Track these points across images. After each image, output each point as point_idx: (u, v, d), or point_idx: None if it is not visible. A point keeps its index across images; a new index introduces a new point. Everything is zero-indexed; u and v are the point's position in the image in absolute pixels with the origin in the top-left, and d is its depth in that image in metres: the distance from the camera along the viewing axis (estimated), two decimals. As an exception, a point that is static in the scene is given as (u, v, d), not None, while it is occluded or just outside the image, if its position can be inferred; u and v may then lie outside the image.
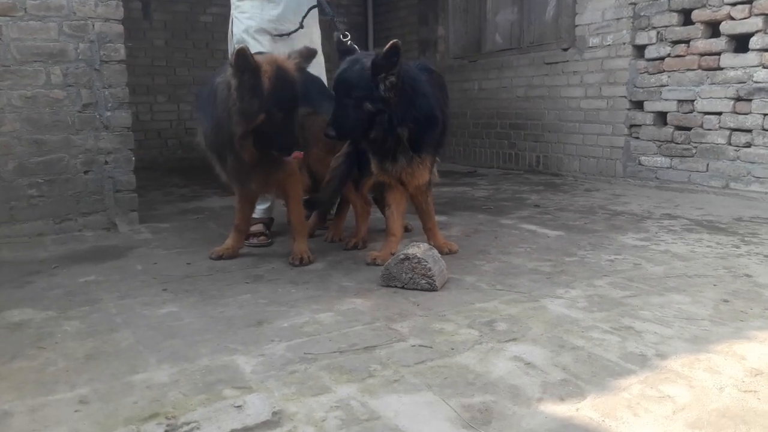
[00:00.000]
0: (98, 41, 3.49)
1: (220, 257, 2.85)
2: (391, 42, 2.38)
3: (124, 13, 3.62)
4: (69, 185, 3.48)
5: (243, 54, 2.34)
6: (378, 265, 2.66)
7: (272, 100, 2.42)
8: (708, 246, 2.99)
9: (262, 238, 3.20)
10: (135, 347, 1.85)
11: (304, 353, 1.77)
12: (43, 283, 2.55)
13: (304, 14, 3.31)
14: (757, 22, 4.22)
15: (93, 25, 3.48)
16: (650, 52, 4.97)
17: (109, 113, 3.55)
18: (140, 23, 7.24)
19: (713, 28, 4.55)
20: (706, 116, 4.60)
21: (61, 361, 1.75)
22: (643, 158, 5.12)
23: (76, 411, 1.47)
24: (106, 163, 3.57)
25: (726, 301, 2.18)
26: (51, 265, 2.83)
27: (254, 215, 3.16)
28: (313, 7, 3.32)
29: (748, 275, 2.49)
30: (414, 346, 1.81)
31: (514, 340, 1.85)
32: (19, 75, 3.32)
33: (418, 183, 2.75)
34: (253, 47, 2.86)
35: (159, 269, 2.74)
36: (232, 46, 3.21)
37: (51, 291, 2.43)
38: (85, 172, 3.52)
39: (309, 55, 2.70)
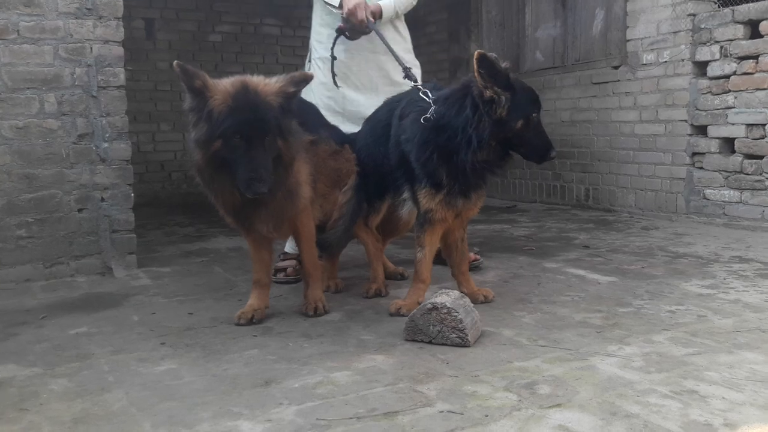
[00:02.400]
0: (96, 65, 3.61)
1: (250, 321, 2.65)
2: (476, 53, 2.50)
3: (126, 33, 3.75)
4: (61, 225, 3.56)
5: (183, 70, 2.30)
6: (403, 315, 2.65)
7: (226, 126, 2.31)
8: (786, 294, 2.93)
9: (289, 270, 3.25)
10: (128, 410, 1.86)
11: (317, 419, 1.76)
12: (30, 335, 2.59)
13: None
14: (836, 36, 4.19)
15: (91, 48, 3.60)
16: (713, 70, 4.96)
17: (106, 144, 3.64)
18: (143, 44, 7.47)
19: (786, 43, 4.53)
20: (781, 143, 4.55)
21: (45, 426, 1.77)
22: (708, 191, 5.06)
23: (59, 484, 1.48)
24: (103, 200, 3.65)
25: (807, 360, 2.13)
26: (39, 315, 2.88)
27: (286, 250, 3.20)
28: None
29: (833, 329, 2.43)
30: (442, 412, 1.79)
31: (558, 405, 1.82)
32: (10, 103, 3.44)
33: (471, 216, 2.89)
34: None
35: (157, 320, 2.77)
36: None
37: (37, 344, 2.47)
38: (80, 210, 3.61)
39: (300, 79, 2.54)
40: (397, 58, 3.17)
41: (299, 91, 2.54)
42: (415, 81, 3.07)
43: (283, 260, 3.43)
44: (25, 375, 2.15)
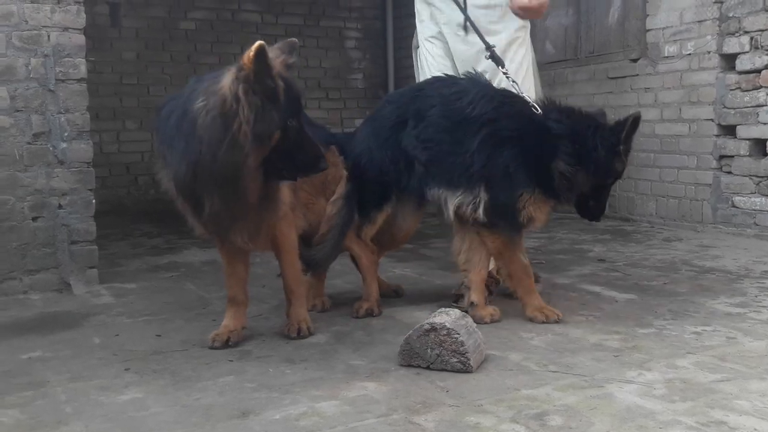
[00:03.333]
0: (54, 55, 3.60)
1: (225, 344, 2.64)
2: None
3: (88, 20, 3.75)
4: (13, 235, 3.55)
5: (264, 52, 2.28)
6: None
7: (288, 109, 2.40)
8: (824, 313, 2.95)
9: None
10: (87, 445, 1.85)
11: (301, 455, 1.76)
12: (-23, 359, 2.58)
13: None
14: None
15: (48, 36, 3.60)
16: (743, 63, 4.99)
17: (65, 144, 3.64)
18: (107, 32, 7.46)
19: (823, 33, 4.57)
20: (818, 144, 4.58)
21: (-6, 463, 1.76)
22: (737, 198, 5.08)
23: None
24: (60, 207, 3.64)
25: None
26: (-13, 336, 2.87)
27: None
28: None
29: None
30: (441, 446, 1.79)
31: (571, 439, 1.82)
32: (-44, 99, 3.43)
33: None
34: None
35: (121, 342, 2.76)
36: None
37: (-14, 370, 2.45)
38: (34, 219, 3.60)
39: (293, 46, 2.58)
40: (482, 38, 3.18)
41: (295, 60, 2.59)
42: (502, 64, 3.14)
43: None
44: (-29, 405, 2.14)
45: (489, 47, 3.13)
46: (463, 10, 3.22)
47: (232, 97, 2.30)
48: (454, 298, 3.18)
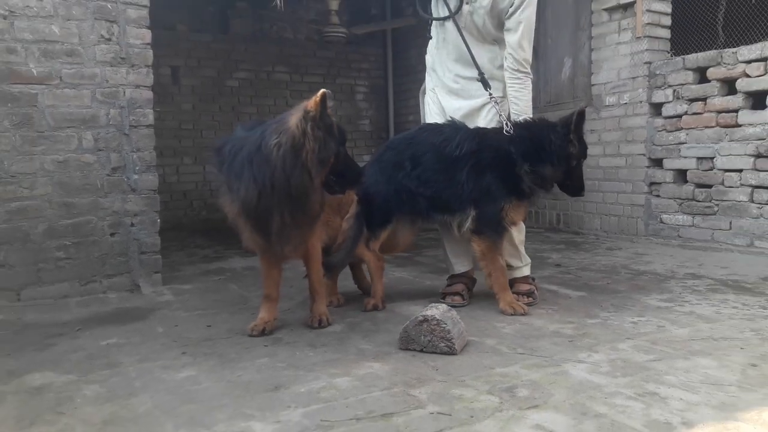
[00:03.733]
0: (128, 107, 3.62)
1: (262, 332, 2.63)
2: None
3: (154, 80, 3.75)
4: (95, 247, 3.55)
5: (326, 98, 2.40)
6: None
7: (340, 139, 2.52)
8: (734, 307, 2.92)
9: (457, 298, 3.11)
10: (153, 412, 1.84)
11: (321, 420, 1.74)
12: (66, 345, 2.56)
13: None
14: (773, 81, 4.24)
15: (124, 92, 3.61)
16: (667, 110, 5.00)
17: (136, 176, 3.64)
18: (169, 88, 7.50)
19: (729, 86, 4.58)
20: (727, 174, 4.58)
21: (79, 427, 1.75)
22: (664, 216, 5.07)
23: (91, 480, 1.45)
24: (132, 225, 3.64)
25: (754, 365, 2.11)
26: (74, 327, 2.86)
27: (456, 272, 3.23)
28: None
29: (776, 338, 2.42)
30: (432, 413, 1.77)
31: (535, 407, 1.80)
32: (52, 140, 3.44)
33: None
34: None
35: (179, 332, 2.75)
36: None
37: (73, 354, 2.44)
38: (112, 234, 3.59)
39: (330, 96, 2.56)
40: (477, 66, 3.13)
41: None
42: (488, 86, 3.11)
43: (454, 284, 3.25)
44: (61, 381, 2.13)
45: (480, 73, 3.11)
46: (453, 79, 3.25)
47: (300, 133, 2.39)
48: (441, 295, 3.16)
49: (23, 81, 3.36)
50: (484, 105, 3.16)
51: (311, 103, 2.39)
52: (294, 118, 2.42)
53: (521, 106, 3.08)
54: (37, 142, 3.41)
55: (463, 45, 3.12)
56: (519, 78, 3.07)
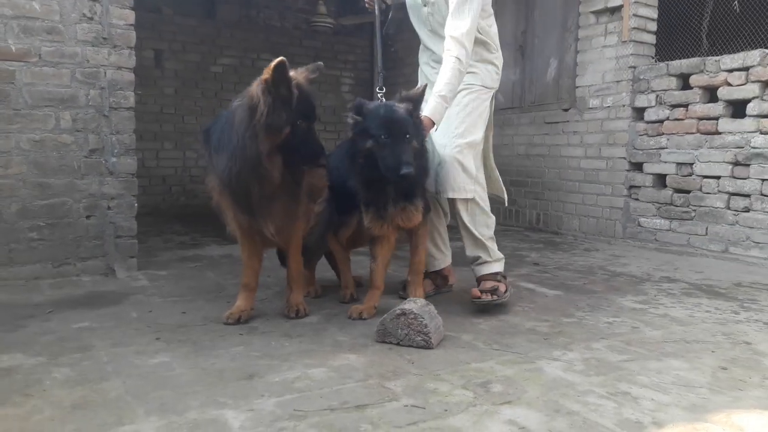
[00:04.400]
0: (109, 88, 3.56)
1: (237, 321, 2.61)
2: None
3: (137, 62, 3.70)
4: (70, 229, 3.49)
5: (283, 66, 2.35)
6: (364, 319, 2.69)
7: (298, 111, 2.42)
8: (707, 311, 2.97)
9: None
10: (124, 397, 1.82)
11: (294, 410, 1.74)
12: (36, 327, 2.52)
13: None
14: (753, 89, 4.31)
15: (105, 73, 3.55)
16: (649, 115, 5.06)
17: (114, 159, 3.59)
18: (152, 71, 7.40)
19: (711, 94, 4.64)
20: (705, 180, 4.65)
21: (47, 410, 1.72)
22: (642, 220, 5.14)
23: (58, 464, 1.43)
24: (109, 208, 3.59)
25: (724, 368, 2.15)
26: (46, 309, 2.81)
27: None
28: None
29: (747, 342, 2.46)
30: (407, 406, 1.78)
31: (509, 402, 1.81)
32: (29, 119, 3.37)
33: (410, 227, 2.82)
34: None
35: (154, 317, 2.72)
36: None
37: (43, 336, 2.40)
38: (87, 217, 3.54)
39: (316, 68, 2.65)
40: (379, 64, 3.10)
41: (316, 76, 2.64)
42: (382, 92, 2.91)
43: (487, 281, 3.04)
44: (30, 363, 2.09)
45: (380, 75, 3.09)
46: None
47: (256, 95, 2.39)
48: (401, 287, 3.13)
49: (1, 57, 3.29)
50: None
51: (267, 69, 2.37)
52: (255, 82, 2.44)
53: (438, 84, 2.77)
54: (13, 120, 3.34)
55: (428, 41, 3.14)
56: (445, 57, 2.80)
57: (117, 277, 3.53)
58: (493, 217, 3.06)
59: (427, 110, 2.74)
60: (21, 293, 3.10)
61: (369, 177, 2.61)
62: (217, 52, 7.87)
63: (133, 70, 3.66)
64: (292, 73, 2.45)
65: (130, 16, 3.60)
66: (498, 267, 3.03)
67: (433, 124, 2.76)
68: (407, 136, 2.52)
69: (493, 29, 3.09)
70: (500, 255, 3.06)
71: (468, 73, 2.93)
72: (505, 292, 2.95)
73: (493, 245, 3.03)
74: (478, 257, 3.01)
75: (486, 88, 3.06)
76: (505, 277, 3.05)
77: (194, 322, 2.65)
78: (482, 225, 2.99)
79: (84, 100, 3.51)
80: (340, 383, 1.94)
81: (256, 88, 2.40)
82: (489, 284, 2.95)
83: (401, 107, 2.58)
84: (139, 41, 3.72)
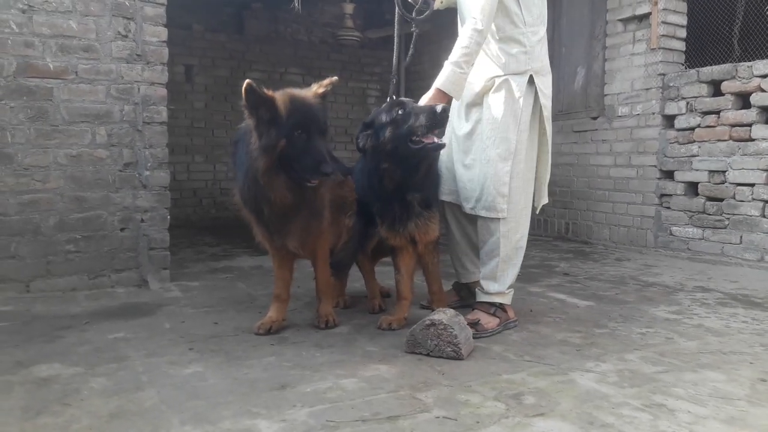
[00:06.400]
0: (142, 103, 3.64)
1: (268, 331, 2.62)
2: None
3: (168, 77, 3.77)
4: (105, 242, 3.56)
5: (251, 89, 2.34)
6: (394, 329, 2.68)
7: (291, 124, 2.37)
8: (743, 321, 2.90)
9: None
10: (159, 407, 1.84)
11: (327, 420, 1.74)
12: (74, 338, 2.57)
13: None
14: (788, 96, 4.21)
15: (138, 89, 3.63)
16: (680, 123, 4.98)
17: (148, 173, 3.66)
18: (182, 86, 7.54)
19: (743, 100, 4.56)
20: (739, 187, 4.55)
21: (85, 419, 1.75)
22: (674, 228, 5.04)
23: (96, 472, 1.45)
24: (142, 221, 3.65)
25: (763, 380, 2.09)
26: (82, 320, 2.87)
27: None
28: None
29: (786, 354, 2.40)
30: (438, 417, 1.77)
31: (542, 415, 1.79)
32: (66, 134, 3.46)
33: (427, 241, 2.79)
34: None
35: (186, 328, 2.75)
36: None
37: (80, 347, 2.45)
38: (122, 230, 3.61)
39: (327, 83, 2.59)
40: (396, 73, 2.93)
41: (328, 91, 2.59)
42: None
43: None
44: (68, 373, 2.13)
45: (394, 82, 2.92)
46: None
47: (249, 124, 2.43)
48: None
49: (40, 75, 3.39)
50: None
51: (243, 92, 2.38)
52: None
53: (453, 51, 2.59)
54: (51, 135, 3.43)
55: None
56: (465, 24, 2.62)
57: (150, 289, 3.58)
58: (523, 245, 2.80)
59: (438, 81, 2.58)
60: (58, 304, 3.17)
61: (381, 187, 2.63)
62: (246, 66, 7.98)
63: (165, 85, 3.73)
64: (290, 91, 2.47)
65: (163, 33, 3.68)
66: (500, 298, 2.74)
67: (446, 96, 2.57)
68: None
69: None
70: (508, 285, 2.75)
71: (489, 60, 2.70)
72: (497, 326, 2.67)
73: (507, 273, 2.74)
74: (481, 285, 2.80)
75: (514, 75, 2.69)
76: (505, 311, 2.75)
77: (226, 332, 2.68)
78: (508, 248, 2.71)
79: (118, 116, 3.59)
80: (371, 394, 1.94)
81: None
82: (473, 316, 2.68)
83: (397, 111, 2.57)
84: (171, 57, 3.79)
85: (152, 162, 3.67)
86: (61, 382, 2.05)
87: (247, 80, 2.36)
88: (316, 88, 2.56)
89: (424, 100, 2.63)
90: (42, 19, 3.37)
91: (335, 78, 2.66)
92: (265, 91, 2.39)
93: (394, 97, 2.86)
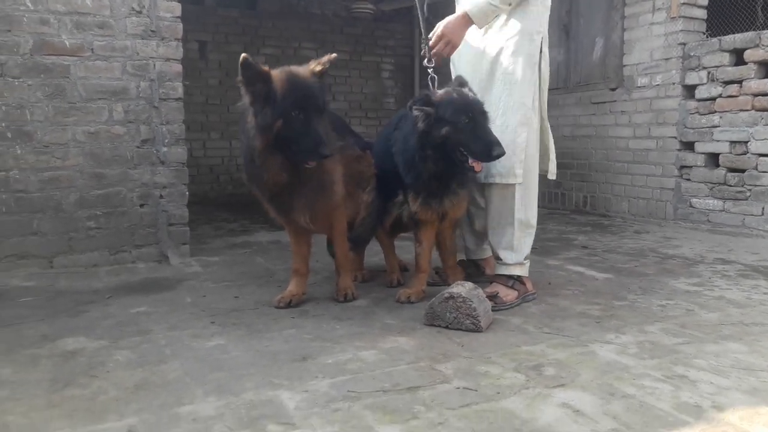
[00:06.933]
0: (158, 80, 3.63)
1: (288, 304, 2.63)
2: None
3: (182, 54, 3.76)
4: (125, 218, 3.59)
5: (247, 63, 2.29)
6: (412, 302, 2.69)
7: (287, 103, 2.32)
8: (765, 293, 2.87)
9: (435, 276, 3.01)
10: (183, 379, 1.87)
11: (348, 391, 1.75)
12: (97, 312, 2.61)
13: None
14: (814, 64, 4.11)
15: (154, 65, 3.62)
16: (701, 93, 4.89)
17: (165, 149, 3.67)
18: (197, 63, 7.53)
19: (767, 69, 4.45)
20: (761, 158, 4.47)
21: (111, 390, 1.78)
22: (694, 200, 4.98)
23: (124, 441, 1.48)
24: (161, 197, 3.68)
25: (787, 351, 2.08)
26: (105, 295, 2.91)
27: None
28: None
29: (809, 325, 2.37)
30: (458, 388, 1.77)
31: (562, 386, 1.79)
32: (84, 111, 3.47)
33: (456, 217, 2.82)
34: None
35: (208, 302, 2.78)
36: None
37: (104, 321, 2.49)
38: (141, 206, 3.63)
39: (325, 60, 2.53)
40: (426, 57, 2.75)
41: (326, 68, 2.52)
42: (430, 65, 2.73)
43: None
44: (93, 347, 2.17)
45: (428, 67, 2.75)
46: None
47: (245, 101, 2.41)
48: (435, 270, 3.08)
49: (56, 52, 3.39)
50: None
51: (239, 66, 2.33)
52: None
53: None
54: (69, 113, 3.45)
55: None
56: None
57: (170, 264, 3.62)
58: (536, 213, 2.80)
59: (467, 5, 2.56)
60: (81, 280, 3.21)
61: (437, 165, 2.56)
62: (260, 42, 7.95)
63: (180, 61, 3.72)
64: (287, 68, 2.43)
65: (177, 8, 3.66)
66: (518, 270, 2.74)
67: (469, 21, 2.56)
68: (487, 117, 2.51)
69: None
70: (525, 255, 2.76)
71: (502, 11, 2.59)
72: (516, 299, 2.67)
73: (524, 241, 2.75)
74: (500, 256, 2.77)
75: (531, 33, 2.64)
76: (523, 283, 2.75)
77: (247, 306, 2.70)
78: (522, 214, 2.71)
79: (135, 92, 3.59)
80: (391, 365, 1.96)
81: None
82: (491, 289, 2.68)
83: (468, 92, 2.54)
84: (184, 33, 3.76)
85: (169, 138, 3.68)
86: (87, 355, 2.08)
87: (243, 54, 2.32)
88: (314, 66, 2.50)
89: (445, 21, 2.61)
90: (57, -4, 3.36)
91: (334, 55, 2.59)
92: (262, 66, 2.35)
93: (426, 61, 2.74)
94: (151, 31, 3.60)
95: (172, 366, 1.97)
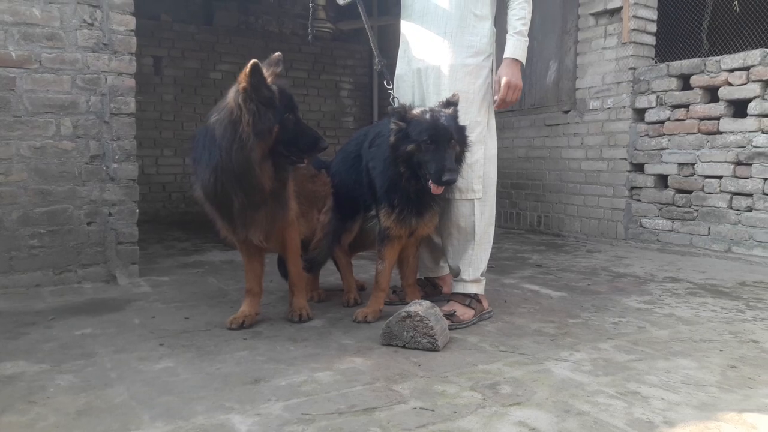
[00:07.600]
0: (109, 94, 3.55)
1: (241, 326, 2.58)
2: None
3: (136, 69, 3.69)
4: (71, 236, 3.47)
5: (258, 68, 2.30)
6: (369, 322, 2.67)
7: (283, 106, 2.37)
8: (712, 310, 2.95)
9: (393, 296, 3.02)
10: (129, 403, 1.80)
11: (302, 414, 1.72)
12: (39, 335, 2.50)
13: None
14: (754, 88, 4.31)
15: (105, 79, 3.54)
16: (650, 116, 5.05)
17: (115, 165, 3.58)
18: (151, 78, 7.41)
19: (712, 94, 4.64)
20: (707, 180, 4.64)
21: (51, 417, 1.70)
22: (644, 220, 5.13)
23: (63, 470, 1.41)
24: (110, 214, 3.57)
25: (733, 367, 2.14)
26: (47, 316, 2.79)
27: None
28: None
29: (754, 341, 2.45)
30: (415, 408, 1.76)
31: (518, 404, 1.80)
32: (30, 126, 3.36)
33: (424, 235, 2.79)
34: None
35: (157, 323, 2.70)
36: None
37: (46, 343, 2.38)
38: (88, 224, 3.52)
39: (278, 60, 2.54)
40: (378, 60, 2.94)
41: (281, 69, 2.53)
42: (389, 86, 2.84)
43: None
44: (33, 371, 2.07)
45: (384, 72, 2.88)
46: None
47: (236, 106, 2.33)
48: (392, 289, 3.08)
49: (1, 64, 3.29)
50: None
51: (242, 75, 2.32)
52: (231, 92, 2.39)
53: (512, 22, 2.76)
54: (14, 127, 3.33)
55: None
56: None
57: (119, 284, 3.51)
58: (493, 229, 2.86)
59: (507, 51, 2.72)
60: (22, 301, 3.08)
61: (409, 182, 2.56)
62: (216, 58, 7.88)
63: (133, 76, 3.64)
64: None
65: (131, 21, 3.59)
66: (475, 288, 2.78)
67: (519, 63, 2.74)
68: (450, 142, 2.49)
69: None
70: (482, 271, 2.81)
71: (463, 36, 2.74)
72: (473, 317, 2.69)
73: (481, 257, 2.80)
74: (458, 272, 2.80)
75: (486, 56, 2.80)
76: (480, 302, 2.77)
77: (198, 327, 2.63)
78: (481, 230, 2.76)
79: (84, 107, 3.50)
80: (347, 387, 1.93)
81: (234, 99, 2.34)
82: (448, 307, 2.70)
83: (446, 113, 2.54)
84: (138, 48, 3.70)
85: (120, 154, 3.59)
86: (26, 380, 1.99)
87: (253, 60, 2.31)
88: (274, 69, 2.49)
89: (503, 71, 2.71)
90: (4, 6, 3.26)
91: (279, 53, 2.59)
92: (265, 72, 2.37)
93: (386, 83, 2.82)
94: (104, 44, 3.52)
95: (117, 390, 1.90)
